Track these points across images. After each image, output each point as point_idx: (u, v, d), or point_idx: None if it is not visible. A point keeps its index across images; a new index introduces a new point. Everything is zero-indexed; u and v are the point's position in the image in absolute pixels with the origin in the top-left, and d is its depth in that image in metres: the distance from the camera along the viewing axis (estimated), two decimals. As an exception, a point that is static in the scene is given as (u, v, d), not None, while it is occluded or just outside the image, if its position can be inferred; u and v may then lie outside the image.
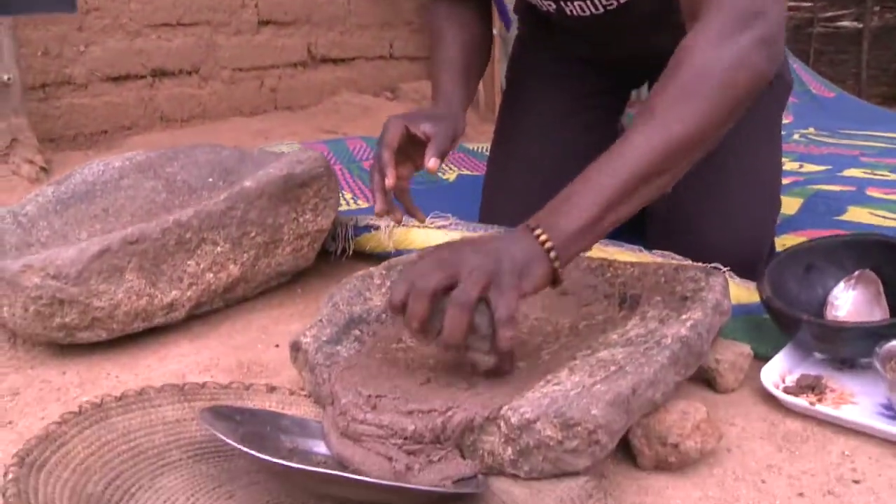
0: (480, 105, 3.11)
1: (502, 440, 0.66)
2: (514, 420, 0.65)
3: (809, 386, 0.82)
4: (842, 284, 0.93)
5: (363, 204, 1.64)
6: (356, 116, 2.79)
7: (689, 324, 0.75)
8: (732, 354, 0.85)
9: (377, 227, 1.27)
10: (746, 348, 0.86)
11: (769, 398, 0.84)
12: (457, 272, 0.70)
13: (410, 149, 1.07)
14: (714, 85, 0.76)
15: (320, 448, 0.72)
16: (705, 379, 0.86)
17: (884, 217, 1.54)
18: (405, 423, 0.68)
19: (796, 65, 3.19)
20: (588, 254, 1.10)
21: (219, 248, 1.08)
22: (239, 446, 0.60)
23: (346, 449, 0.70)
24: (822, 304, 0.92)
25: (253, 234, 1.12)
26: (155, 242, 1.01)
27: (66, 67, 2.30)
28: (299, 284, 1.23)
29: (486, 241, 0.74)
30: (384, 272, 0.98)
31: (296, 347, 0.84)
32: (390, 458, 0.67)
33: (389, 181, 1.01)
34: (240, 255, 1.11)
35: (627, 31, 1.19)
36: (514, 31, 1.50)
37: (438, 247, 0.77)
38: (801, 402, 0.80)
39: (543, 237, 0.72)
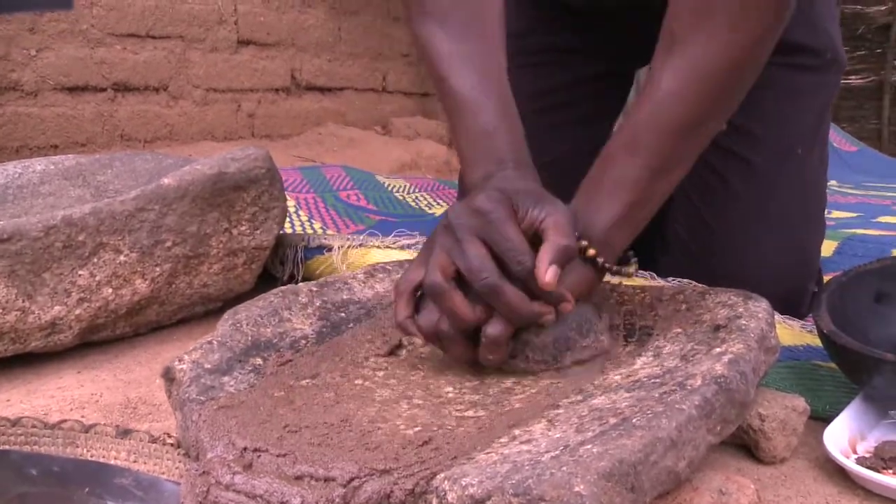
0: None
1: (434, 528, 0.42)
2: (451, 496, 0.41)
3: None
4: (924, 322, 0.69)
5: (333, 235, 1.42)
6: (341, 148, 2.58)
7: (726, 359, 0.51)
8: (782, 409, 0.60)
9: (331, 249, 1.05)
10: (801, 402, 0.61)
11: (835, 473, 0.59)
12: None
13: None
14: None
15: (169, 526, 0.48)
16: (742, 443, 0.62)
17: (938, 264, 1.31)
18: (289, 495, 0.44)
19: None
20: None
21: (122, 258, 0.87)
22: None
23: (199, 530, 0.45)
24: (900, 346, 0.68)
25: (169, 244, 0.90)
26: (35, 243, 0.80)
27: (12, 72, 2.10)
28: (232, 313, 1.00)
29: None
30: (315, 289, 0.74)
31: (169, 376, 0.60)
32: (260, 550, 0.43)
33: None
34: (150, 268, 0.89)
35: None
36: None
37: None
38: (893, 481, 0.54)
39: (582, 243, 0.61)
